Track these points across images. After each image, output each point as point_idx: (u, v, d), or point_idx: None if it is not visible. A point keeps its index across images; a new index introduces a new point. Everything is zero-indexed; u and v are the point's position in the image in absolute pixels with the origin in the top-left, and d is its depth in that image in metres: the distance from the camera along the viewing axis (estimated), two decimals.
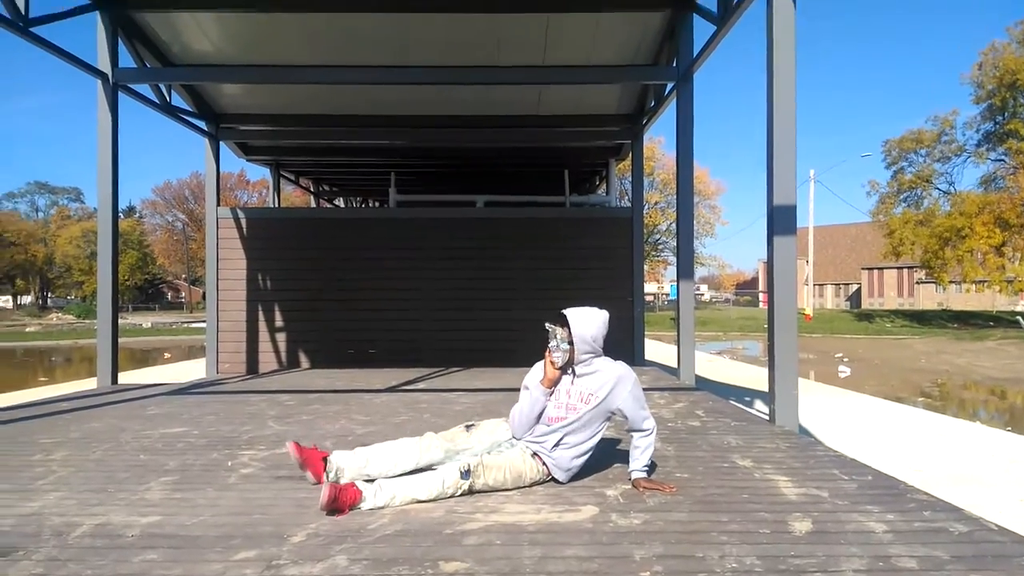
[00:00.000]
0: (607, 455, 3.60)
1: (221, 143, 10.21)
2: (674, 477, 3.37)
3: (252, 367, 9.79)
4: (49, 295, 65.42)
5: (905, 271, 59.89)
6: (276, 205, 12.65)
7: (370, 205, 17.45)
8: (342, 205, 17.39)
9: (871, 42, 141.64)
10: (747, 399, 9.20)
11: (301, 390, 7.02)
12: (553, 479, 3.21)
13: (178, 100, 9.12)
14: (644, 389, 3.30)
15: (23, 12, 6.15)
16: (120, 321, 7.97)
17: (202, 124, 9.81)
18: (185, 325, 39.49)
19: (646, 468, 3.21)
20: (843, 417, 8.97)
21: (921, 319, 40.51)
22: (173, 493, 3.12)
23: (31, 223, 63.88)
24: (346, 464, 3.09)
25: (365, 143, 11.07)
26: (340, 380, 7.91)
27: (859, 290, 67.02)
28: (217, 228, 9.78)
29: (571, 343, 3.11)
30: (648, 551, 2.36)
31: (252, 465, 3.65)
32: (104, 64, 7.21)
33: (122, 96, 7.50)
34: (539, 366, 3.26)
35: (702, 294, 76.23)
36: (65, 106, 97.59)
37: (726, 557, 2.29)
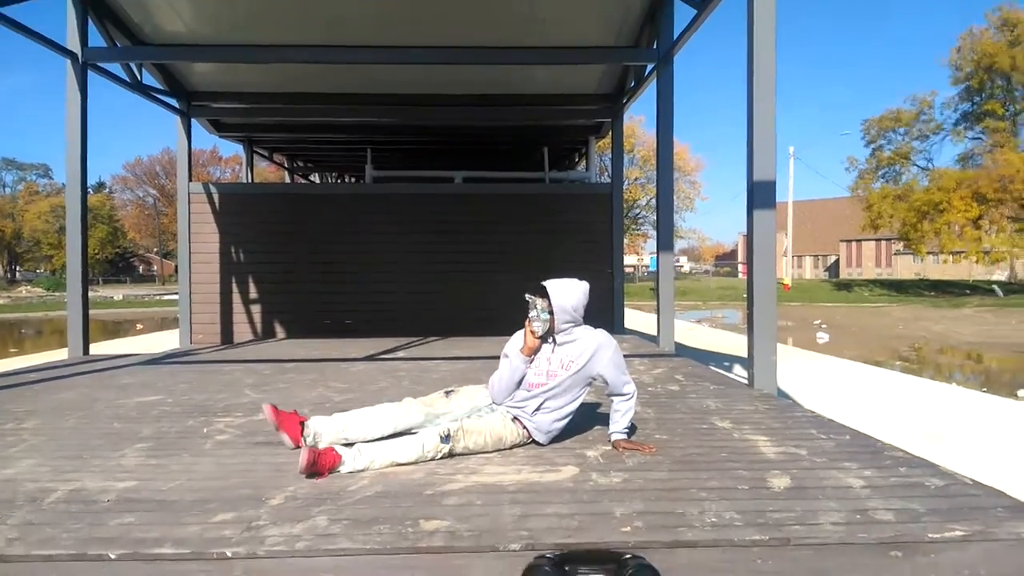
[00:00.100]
0: (587, 418, 3.60)
1: (193, 120, 10.04)
2: (654, 438, 3.38)
3: (227, 338, 9.73)
4: (18, 268, 64.15)
5: (883, 243, 60.76)
6: (250, 180, 12.48)
7: (346, 181, 17.23)
8: (317, 181, 17.18)
9: (849, 24, 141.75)
10: (726, 364, 9.28)
11: (277, 359, 6.95)
12: (534, 441, 3.21)
13: (149, 79, 8.92)
14: (624, 356, 3.29)
15: None
16: (91, 294, 7.81)
17: (173, 102, 9.62)
18: (157, 297, 38.93)
19: (626, 430, 3.22)
20: (821, 381, 9.09)
21: (899, 288, 41.19)
22: (148, 459, 3.07)
23: None
24: (324, 429, 3.07)
25: (341, 120, 10.88)
26: (317, 350, 7.85)
27: (837, 261, 67.88)
28: (189, 203, 9.73)
29: (551, 313, 3.09)
30: (628, 508, 2.36)
31: (228, 432, 3.60)
32: (74, 44, 7.05)
33: (92, 75, 7.34)
34: (519, 335, 3.24)
35: (681, 266, 76.63)
36: (35, 87, 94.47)
37: (705, 512, 2.31)
